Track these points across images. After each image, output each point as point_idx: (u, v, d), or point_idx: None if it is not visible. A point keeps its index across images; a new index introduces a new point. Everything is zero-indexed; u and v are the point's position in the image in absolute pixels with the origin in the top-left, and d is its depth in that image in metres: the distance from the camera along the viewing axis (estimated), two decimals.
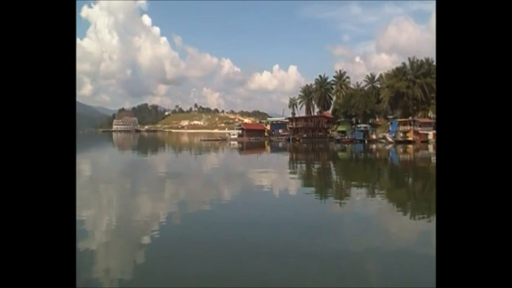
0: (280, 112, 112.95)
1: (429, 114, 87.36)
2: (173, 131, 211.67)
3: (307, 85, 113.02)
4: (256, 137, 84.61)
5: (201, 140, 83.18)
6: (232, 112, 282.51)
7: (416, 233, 11.17)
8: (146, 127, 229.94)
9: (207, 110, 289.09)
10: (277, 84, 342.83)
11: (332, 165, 35.54)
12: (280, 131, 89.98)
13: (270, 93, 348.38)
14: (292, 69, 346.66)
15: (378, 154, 49.37)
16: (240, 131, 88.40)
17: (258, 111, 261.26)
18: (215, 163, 36.88)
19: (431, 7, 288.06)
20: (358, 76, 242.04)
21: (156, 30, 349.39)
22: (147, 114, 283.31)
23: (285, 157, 45.72)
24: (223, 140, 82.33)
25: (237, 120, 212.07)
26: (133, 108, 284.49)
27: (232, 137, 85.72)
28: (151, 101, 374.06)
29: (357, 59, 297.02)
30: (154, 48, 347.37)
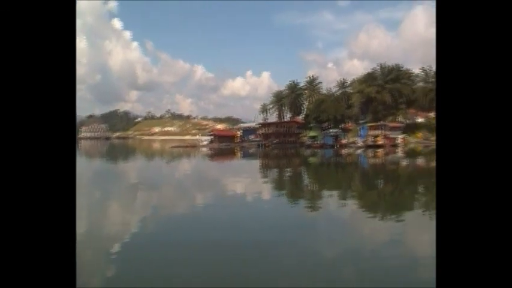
0: (253, 118, 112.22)
1: (398, 119, 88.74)
2: (144, 137, 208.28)
3: (278, 91, 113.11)
4: (227, 143, 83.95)
5: (171, 147, 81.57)
6: (205, 118, 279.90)
7: (388, 234, 11.31)
8: (116, 134, 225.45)
9: (180, 117, 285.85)
10: (250, 90, 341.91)
11: (302, 170, 35.57)
12: (251, 137, 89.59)
13: (242, 99, 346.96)
14: (265, 75, 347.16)
15: (348, 159, 49.72)
16: (211, 138, 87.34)
17: (231, 117, 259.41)
18: (186, 170, 36.31)
19: (401, 15, 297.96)
20: (330, 82, 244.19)
21: (127, 34, 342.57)
22: (118, 120, 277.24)
23: (256, 163, 45.56)
24: (194, 146, 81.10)
25: (209, 126, 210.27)
26: (103, 115, 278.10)
27: (203, 143, 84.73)
28: (122, 107, 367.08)
29: (330, 65, 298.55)
30: (125, 53, 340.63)
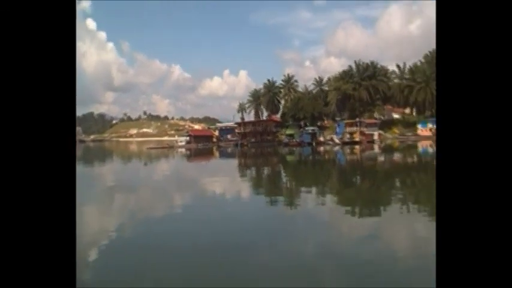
0: (231, 118, 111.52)
1: (375, 115, 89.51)
2: (121, 139, 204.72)
3: (255, 89, 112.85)
4: (204, 144, 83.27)
5: (147, 149, 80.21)
6: (183, 119, 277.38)
7: (366, 230, 11.28)
8: (92, 137, 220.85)
9: (157, 118, 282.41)
10: (227, 89, 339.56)
11: (281, 169, 35.42)
12: (228, 136, 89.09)
13: (220, 98, 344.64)
14: (243, 74, 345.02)
15: (325, 156, 49.83)
16: (188, 138, 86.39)
17: (209, 117, 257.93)
18: (163, 172, 35.54)
19: (378, 13, 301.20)
20: (308, 80, 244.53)
21: (102, 35, 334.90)
22: (93, 123, 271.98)
23: (233, 163, 45.30)
24: (171, 147, 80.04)
25: (187, 126, 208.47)
26: (78, 118, 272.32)
27: (179, 144, 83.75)
28: (98, 109, 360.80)
29: (307, 63, 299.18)
30: (100, 54, 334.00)
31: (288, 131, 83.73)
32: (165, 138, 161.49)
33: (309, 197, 17.70)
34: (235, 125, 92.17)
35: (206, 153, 62.57)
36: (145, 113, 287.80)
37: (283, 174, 31.20)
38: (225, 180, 25.50)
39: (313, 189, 20.38)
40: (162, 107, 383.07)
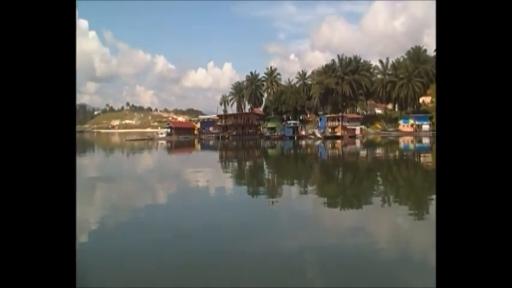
0: (215, 110, 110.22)
1: (357, 110, 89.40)
2: (102, 131, 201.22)
3: (238, 82, 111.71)
4: (185, 136, 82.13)
5: (126, 140, 78.65)
6: (166, 110, 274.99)
7: (348, 225, 11.18)
8: None
9: (140, 109, 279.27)
10: (212, 81, 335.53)
11: (261, 162, 34.74)
12: (210, 129, 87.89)
13: (205, 90, 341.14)
14: (227, 66, 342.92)
15: (307, 150, 49.39)
16: (169, 130, 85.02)
17: (193, 109, 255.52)
18: (143, 164, 34.15)
19: (363, 8, 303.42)
20: (292, 73, 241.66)
21: (84, 23, 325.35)
22: None
23: (213, 155, 44.48)
24: (151, 139, 78.55)
25: (170, 118, 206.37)
26: None
27: (160, 136, 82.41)
28: (79, 99, 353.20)
29: (292, 57, 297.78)
30: (81, 42, 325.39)
31: (270, 124, 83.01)
32: (148, 130, 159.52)
33: (286, 191, 17.35)
34: (217, 118, 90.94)
35: (187, 146, 61.71)
36: (128, 104, 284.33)
37: (264, 168, 30.55)
38: (203, 173, 24.77)
39: (292, 184, 20.06)
40: (146, 98, 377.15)
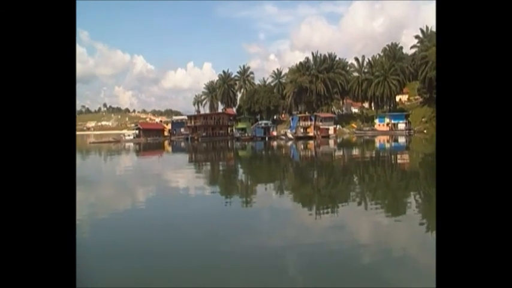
0: (193, 111, 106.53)
1: (332, 109, 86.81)
2: (77, 133, 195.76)
3: (211, 81, 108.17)
4: (154, 137, 78.48)
5: (89, 143, 74.43)
6: (144, 111, 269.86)
7: (323, 227, 10.81)
8: None
9: (118, 110, 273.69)
10: (191, 82, 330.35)
11: (230, 165, 32.10)
12: (182, 130, 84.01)
13: (184, 91, 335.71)
14: (207, 66, 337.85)
15: (278, 151, 46.65)
16: (137, 132, 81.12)
17: (171, 110, 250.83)
18: (103, 168, 30.83)
19: (343, 9, 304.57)
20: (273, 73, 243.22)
21: None
22: None
23: (182, 158, 41.76)
24: (117, 141, 74.43)
25: (148, 119, 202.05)
26: None
27: (127, 138, 78.49)
28: None
29: (272, 57, 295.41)
30: None
31: (240, 125, 79.86)
32: (125, 131, 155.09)
33: (257, 195, 16.06)
34: (187, 119, 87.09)
35: (156, 148, 58.47)
36: (105, 105, 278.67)
37: (236, 170, 28.21)
38: (168, 176, 23.46)
39: (262, 187, 18.72)
40: (125, 99, 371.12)
